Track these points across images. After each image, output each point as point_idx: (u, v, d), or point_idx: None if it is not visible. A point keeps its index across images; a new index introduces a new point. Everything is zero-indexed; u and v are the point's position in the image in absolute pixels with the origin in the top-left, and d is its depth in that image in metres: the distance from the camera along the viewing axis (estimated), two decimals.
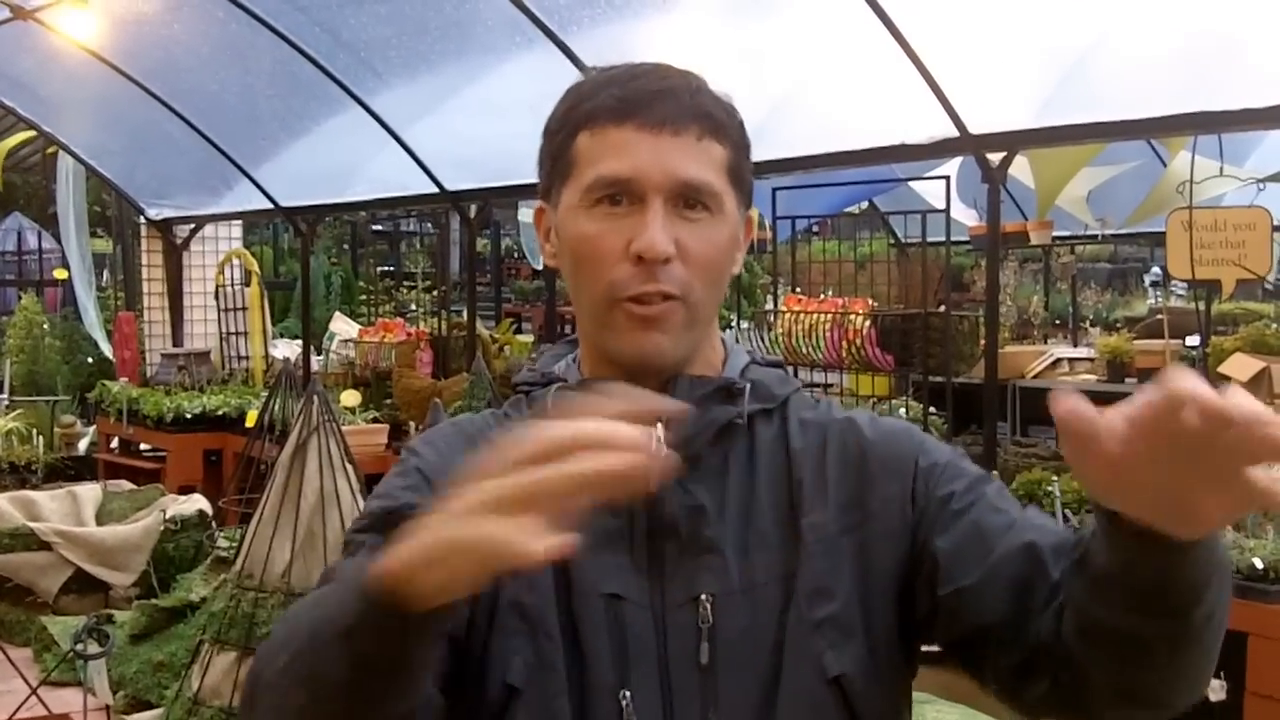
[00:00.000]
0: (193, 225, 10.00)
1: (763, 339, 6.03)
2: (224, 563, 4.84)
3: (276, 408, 4.79)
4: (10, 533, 5.76)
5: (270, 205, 8.85)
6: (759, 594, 1.26)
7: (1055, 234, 8.79)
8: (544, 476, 0.91)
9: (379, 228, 18.52)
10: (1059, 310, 11.35)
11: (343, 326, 9.77)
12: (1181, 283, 8.54)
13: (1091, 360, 7.88)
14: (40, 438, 8.05)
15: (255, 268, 10.02)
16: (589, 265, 1.27)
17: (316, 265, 12.72)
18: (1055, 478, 4.55)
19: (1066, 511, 4.39)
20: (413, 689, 1.05)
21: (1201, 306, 7.37)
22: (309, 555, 3.75)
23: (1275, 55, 4.25)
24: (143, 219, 10.14)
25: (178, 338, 10.09)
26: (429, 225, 17.62)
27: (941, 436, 5.69)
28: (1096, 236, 9.44)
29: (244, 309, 9.62)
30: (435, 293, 10.60)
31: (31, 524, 5.82)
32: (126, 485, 6.87)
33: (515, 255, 17.77)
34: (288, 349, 9.49)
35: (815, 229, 12.30)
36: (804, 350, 5.80)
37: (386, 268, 16.44)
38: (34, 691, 4.58)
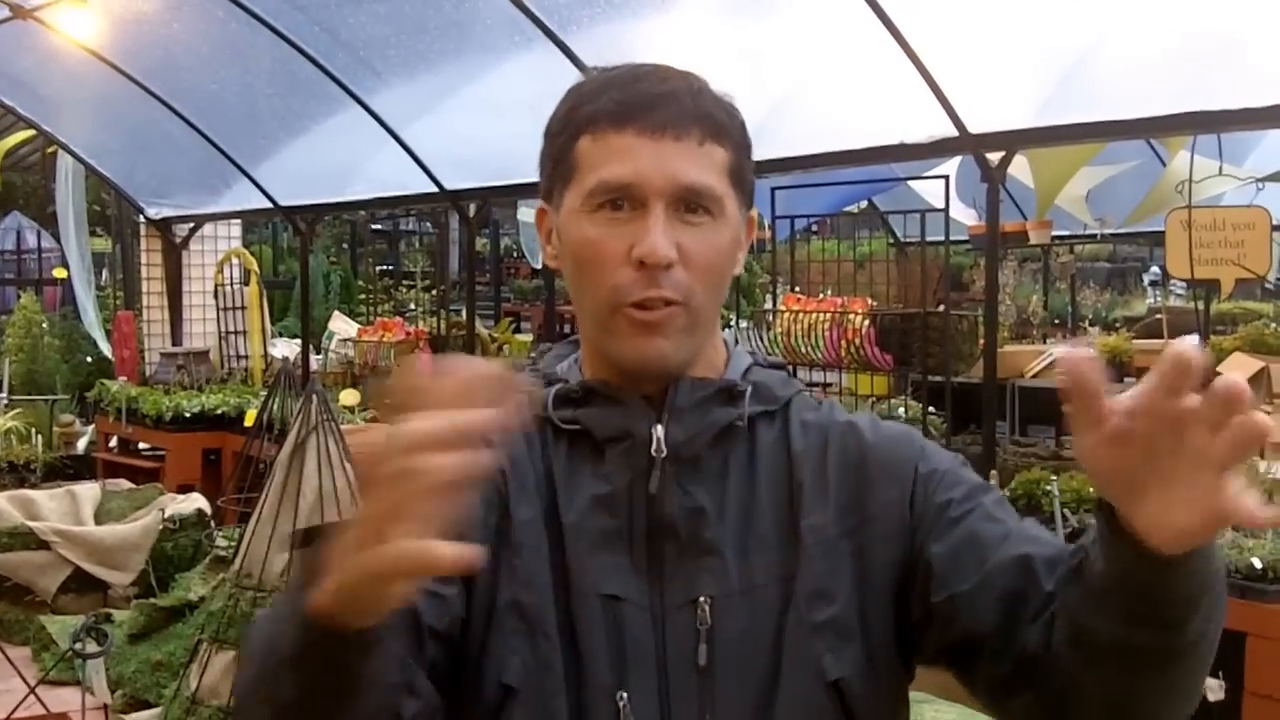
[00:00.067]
0: (192, 224, 10.00)
1: (762, 338, 6.03)
2: (222, 562, 4.85)
3: (275, 407, 4.79)
4: (9, 532, 5.76)
5: (269, 204, 8.85)
6: (758, 596, 1.25)
7: (1054, 233, 8.80)
8: (405, 492, 0.91)
9: (378, 227, 18.52)
10: (1058, 310, 11.36)
11: (342, 326, 9.76)
12: (1181, 282, 8.56)
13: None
14: (39, 437, 8.05)
15: (254, 267, 10.02)
16: (591, 270, 1.26)
17: (315, 264, 12.72)
18: (1054, 477, 4.54)
19: (1065, 511, 4.39)
20: (365, 698, 1.05)
21: (1201, 306, 7.39)
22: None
23: (1274, 55, 4.25)
24: (142, 218, 10.15)
25: (177, 337, 10.09)
26: (428, 224, 17.63)
27: (941, 436, 5.69)
28: (1096, 236, 9.44)
29: (243, 308, 9.62)
30: (434, 292, 10.62)
31: (30, 523, 5.82)
32: (125, 484, 6.87)
33: (514, 254, 17.78)
34: (287, 348, 9.50)
35: (814, 228, 12.30)
36: (803, 349, 5.80)
37: (385, 267, 16.45)
38: (32, 690, 4.58)
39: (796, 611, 1.24)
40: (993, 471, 4.82)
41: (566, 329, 12.94)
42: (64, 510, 6.05)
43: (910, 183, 8.27)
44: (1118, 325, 9.84)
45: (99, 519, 6.07)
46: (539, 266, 14.71)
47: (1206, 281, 5.72)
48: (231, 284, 9.76)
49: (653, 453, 1.26)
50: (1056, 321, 10.99)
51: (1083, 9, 4.81)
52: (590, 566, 1.26)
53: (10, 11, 7.37)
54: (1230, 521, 0.93)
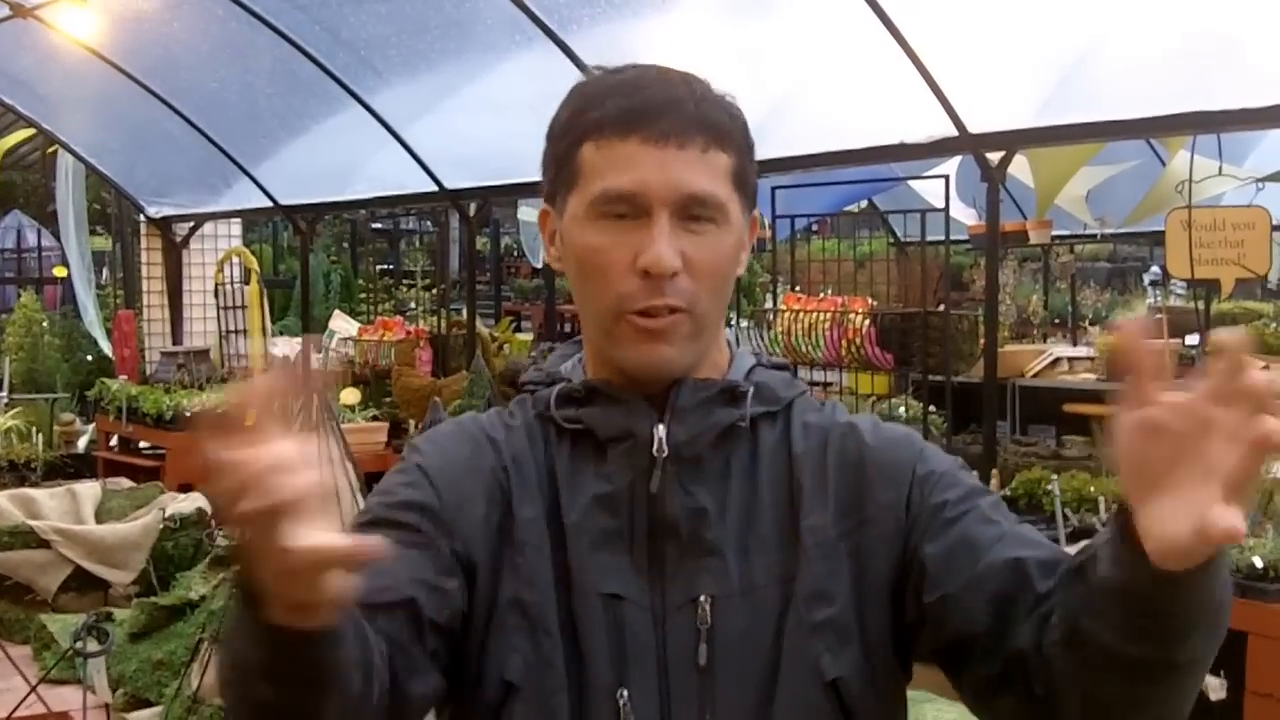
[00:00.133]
0: (192, 223, 10.00)
1: (762, 337, 6.03)
2: (223, 561, 4.85)
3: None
4: (10, 530, 5.76)
5: (270, 203, 8.85)
6: (758, 596, 1.26)
7: (1054, 233, 8.80)
8: (262, 519, 0.92)
9: (378, 226, 18.50)
10: (1058, 309, 11.35)
11: (342, 324, 9.75)
12: (1181, 282, 8.55)
13: (1091, 359, 7.88)
14: (39, 435, 8.05)
15: (255, 266, 10.01)
16: (596, 277, 1.27)
17: (316, 263, 12.71)
18: (1055, 476, 4.54)
19: (1066, 511, 4.39)
20: (344, 684, 1.05)
21: (1201, 306, 7.38)
22: None
23: (1274, 55, 4.25)
24: (142, 217, 10.14)
25: (177, 336, 10.09)
26: (428, 223, 17.62)
27: (941, 435, 5.70)
28: (1096, 236, 9.44)
29: (243, 307, 9.61)
30: (435, 291, 10.60)
31: (31, 522, 5.82)
32: (126, 483, 6.88)
33: (515, 254, 17.76)
34: (287, 347, 9.49)
35: (815, 228, 12.30)
36: (803, 349, 5.80)
37: (386, 266, 16.43)
38: (33, 689, 4.58)
39: (796, 612, 1.25)
40: (993, 471, 4.82)
41: (567, 328, 12.96)
42: (64, 509, 6.05)
43: (910, 182, 8.28)
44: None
45: (99, 518, 6.07)
46: (539, 266, 14.72)
47: (1207, 281, 5.72)
48: (232, 283, 9.76)
49: (654, 453, 1.27)
50: (1057, 321, 10.98)
51: (1083, 9, 4.81)
52: (591, 565, 1.26)
53: (10, 10, 7.37)
54: (1215, 539, 0.92)
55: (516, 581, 1.26)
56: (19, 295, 11.80)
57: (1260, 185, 5.93)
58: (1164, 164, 7.27)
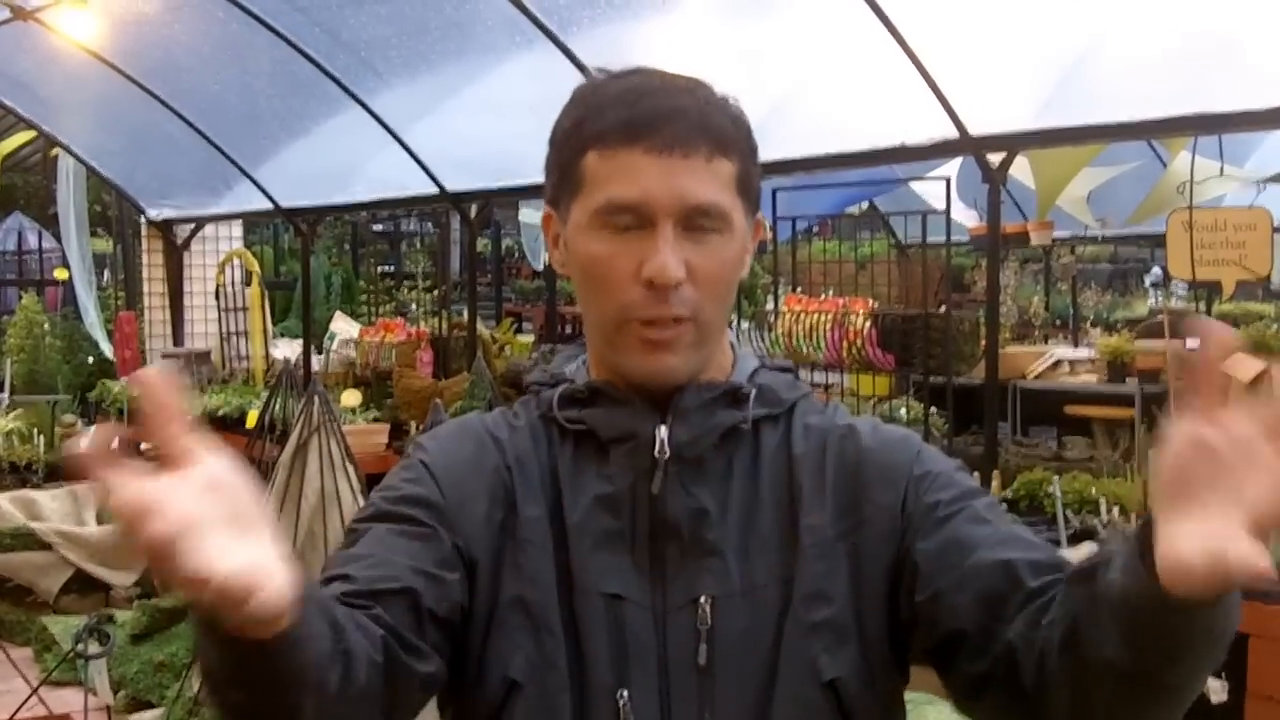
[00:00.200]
0: (193, 225, 10.01)
1: (763, 339, 6.03)
2: None
3: (277, 408, 4.79)
4: (11, 533, 5.76)
5: (270, 205, 8.85)
6: (759, 597, 1.26)
7: (1056, 235, 8.81)
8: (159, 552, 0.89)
9: (379, 228, 18.52)
10: (1059, 311, 11.36)
11: (343, 326, 9.76)
12: (1182, 283, 8.55)
13: (1092, 361, 7.88)
14: (41, 437, 8.04)
15: (256, 268, 10.02)
16: (600, 286, 1.27)
17: (317, 265, 12.71)
18: (1056, 478, 4.54)
19: (1067, 512, 4.39)
20: (314, 681, 1.05)
21: (1202, 307, 7.38)
22: (310, 555, 3.75)
23: (1274, 56, 4.25)
24: (143, 219, 10.16)
25: (178, 338, 10.09)
26: (429, 225, 17.61)
27: (942, 436, 5.70)
28: (1097, 237, 9.45)
29: (244, 309, 9.63)
30: (436, 293, 10.61)
31: (32, 524, 5.83)
32: None
33: (516, 255, 17.76)
34: (288, 349, 9.49)
35: (816, 229, 12.30)
36: (804, 350, 5.80)
37: (387, 268, 16.43)
38: (35, 691, 4.59)
39: (795, 612, 1.25)
40: (995, 472, 4.82)
41: (568, 329, 12.94)
42: (65, 511, 6.06)
43: (911, 184, 8.28)
44: (1119, 326, 9.84)
45: (101, 520, 6.07)
46: (540, 267, 14.71)
47: (1208, 283, 5.71)
48: (233, 285, 9.77)
49: (656, 454, 1.27)
50: (1058, 322, 10.99)
51: (1083, 10, 4.82)
52: (592, 565, 1.27)
53: (11, 13, 7.37)
54: (1229, 571, 0.89)
55: (519, 580, 1.26)
56: (20, 297, 11.80)
57: (1261, 186, 5.93)
58: (1165, 165, 7.27)
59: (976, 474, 1.37)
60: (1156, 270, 12.27)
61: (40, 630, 5.66)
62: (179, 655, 4.71)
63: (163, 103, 8.13)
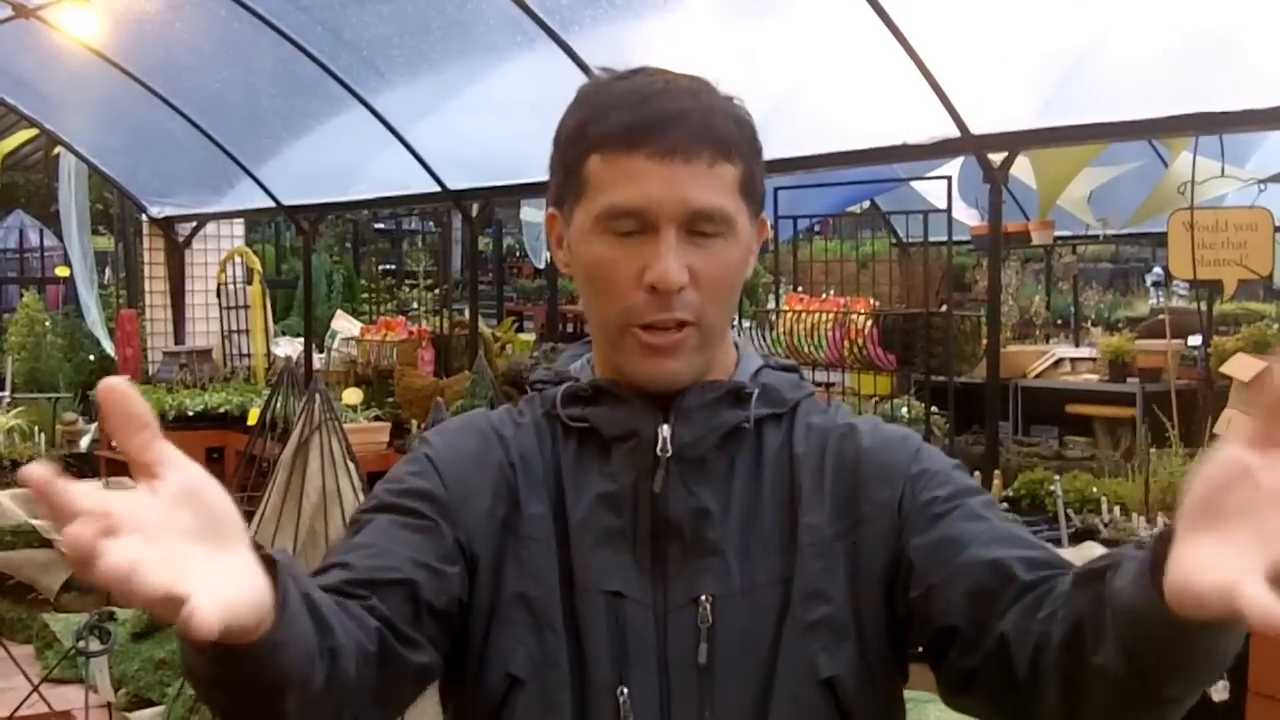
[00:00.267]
0: (195, 223, 10.01)
1: (764, 338, 6.03)
2: None
3: (278, 406, 4.79)
4: (12, 530, 5.77)
5: (272, 204, 8.85)
6: (759, 596, 1.27)
7: (1057, 234, 8.80)
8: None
9: (381, 226, 18.51)
10: (1061, 310, 11.35)
11: (344, 325, 9.77)
12: (1183, 283, 8.55)
13: (1093, 360, 7.89)
14: (42, 435, 8.06)
15: (257, 266, 10.03)
16: (603, 290, 1.28)
17: (318, 263, 12.72)
18: (1057, 477, 4.54)
19: (1069, 511, 4.39)
20: (296, 681, 1.04)
21: (1203, 307, 7.38)
22: (311, 554, 3.75)
23: (1275, 56, 4.25)
24: (145, 217, 10.16)
25: (180, 335, 10.10)
26: (431, 224, 17.62)
27: (943, 436, 5.69)
28: (1098, 237, 9.44)
29: (246, 307, 9.63)
30: (437, 291, 10.61)
31: (33, 521, 5.83)
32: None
33: (517, 254, 17.75)
34: (289, 347, 9.50)
35: (817, 228, 12.29)
36: (806, 349, 5.80)
37: (388, 266, 16.43)
38: (36, 689, 4.59)
39: (793, 611, 1.25)
40: (996, 471, 4.82)
41: (570, 328, 12.95)
42: None
43: (912, 183, 8.27)
44: (1120, 326, 9.84)
45: None
46: (542, 266, 14.72)
47: (1209, 282, 5.71)
48: (234, 283, 9.77)
49: (658, 452, 1.28)
50: (1059, 322, 10.99)
51: (1083, 9, 4.82)
52: (594, 563, 1.27)
53: (13, 10, 7.38)
54: (1239, 611, 0.84)
55: (521, 576, 1.27)
56: (21, 295, 11.79)
57: (1263, 186, 5.92)
58: (1166, 165, 7.26)
59: (978, 473, 1.38)
60: (1158, 270, 12.28)
61: (41, 627, 5.67)
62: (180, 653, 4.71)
63: (165, 101, 8.14)
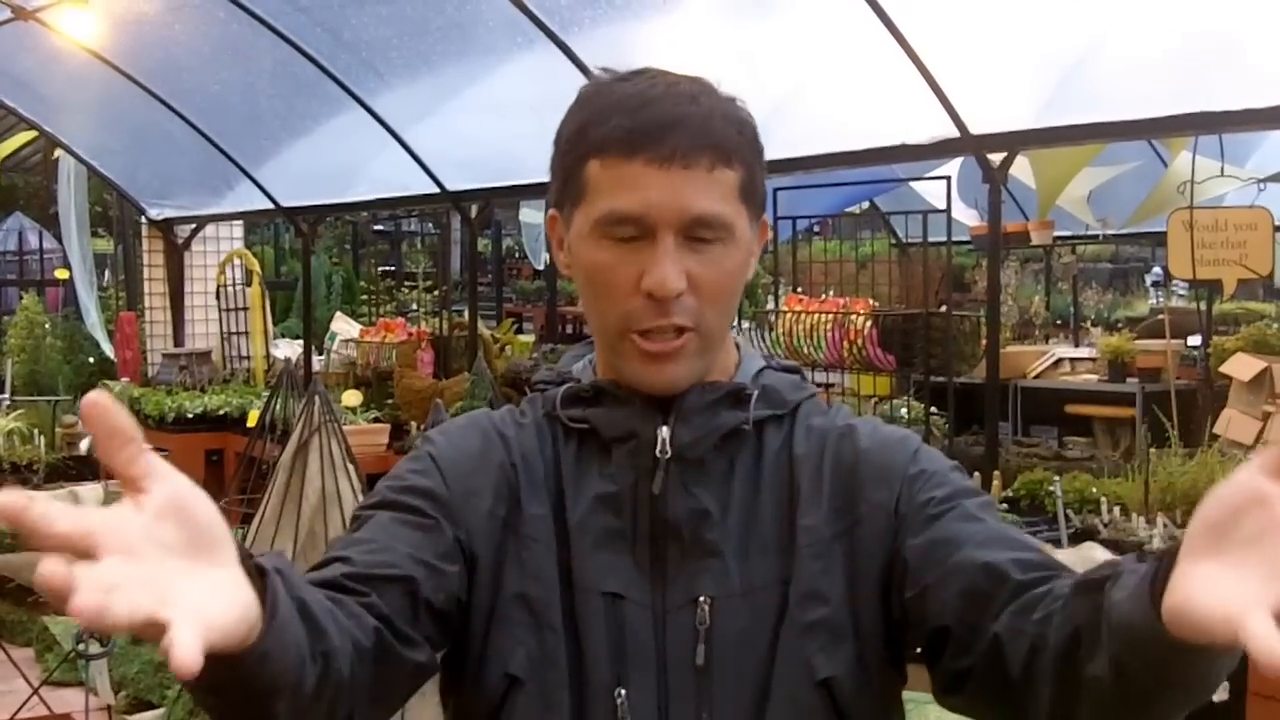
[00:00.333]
0: (194, 225, 10.01)
1: (764, 339, 6.03)
2: None
3: (278, 408, 4.79)
4: (11, 532, 5.75)
5: (271, 205, 8.85)
6: (757, 597, 1.27)
7: (1056, 234, 8.79)
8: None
9: (380, 228, 18.52)
10: (1060, 310, 11.36)
11: (344, 326, 9.77)
12: (1183, 283, 8.55)
13: (1093, 360, 7.89)
14: (41, 437, 8.04)
15: (256, 268, 10.02)
16: (602, 294, 1.28)
17: (317, 265, 12.71)
18: (1056, 478, 4.54)
19: (1068, 512, 4.39)
20: (287, 685, 1.03)
21: (1203, 306, 7.38)
22: (311, 555, 3.75)
23: (1275, 55, 4.25)
24: (144, 219, 10.15)
25: (179, 338, 10.09)
26: (430, 225, 17.63)
27: (943, 436, 5.69)
28: (1098, 237, 9.44)
29: (245, 309, 9.62)
30: (436, 293, 10.62)
31: None
32: None
33: (517, 255, 17.77)
34: (289, 349, 9.50)
35: (816, 229, 12.28)
36: (805, 350, 5.80)
37: (388, 268, 16.43)
38: (36, 691, 4.59)
39: (791, 612, 1.25)
40: (995, 472, 4.81)
41: (569, 329, 12.94)
42: None
43: (912, 183, 8.27)
44: (1120, 326, 9.85)
45: None
46: (541, 267, 14.72)
47: (1209, 282, 5.71)
48: (233, 285, 9.77)
49: (657, 454, 1.28)
50: (1058, 322, 11.00)
51: (1083, 10, 4.81)
52: (593, 564, 1.27)
53: (12, 13, 7.37)
54: (1239, 642, 0.81)
55: (521, 576, 1.27)
56: (21, 297, 11.78)
57: (1262, 186, 5.93)
58: (1166, 165, 7.27)
59: (977, 474, 1.37)
60: (1157, 270, 12.29)
61: (41, 630, 5.66)
62: None
63: (164, 103, 8.13)
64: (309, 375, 7.60)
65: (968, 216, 8.15)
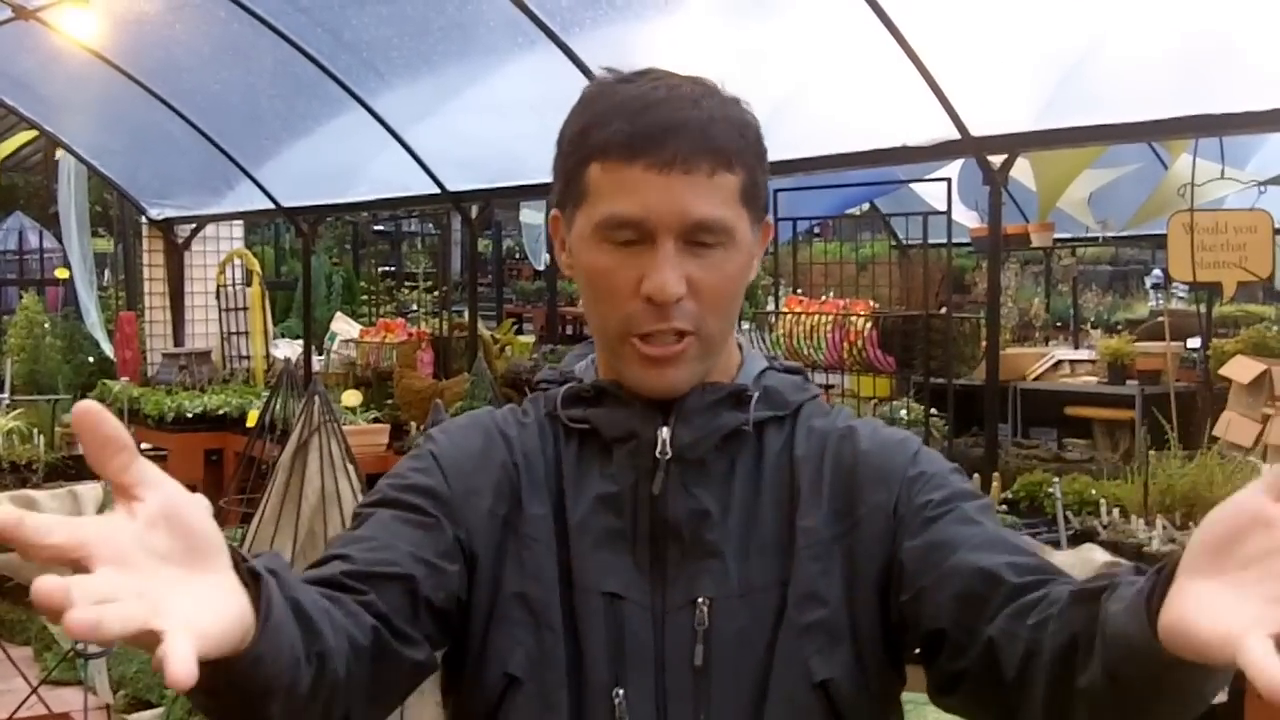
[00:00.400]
0: (194, 225, 10.01)
1: (764, 340, 6.03)
2: None
3: (277, 408, 4.79)
4: None
5: (272, 205, 8.85)
6: (756, 598, 1.27)
7: (1056, 236, 8.80)
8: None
9: (380, 228, 18.52)
10: (1060, 312, 11.35)
11: (344, 326, 9.77)
12: (1183, 285, 8.55)
13: (1093, 362, 7.89)
14: (41, 437, 8.04)
15: (256, 268, 10.02)
16: (603, 298, 1.28)
17: (318, 265, 12.70)
18: (1056, 479, 4.54)
19: (1068, 513, 4.38)
20: (280, 687, 1.03)
21: (1202, 309, 7.38)
22: (310, 555, 3.75)
23: (1274, 56, 4.24)
24: (144, 219, 10.15)
25: (179, 337, 10.09)
26: (430, 225, 17.63)
27: (943, 438, 5.69)
28: (1098, 239, 9.43)
29: (245, 309, 9.62)
30: (436, 293, 10.63)
31: None
32: None
33: (517, 255, 17.77)
34: (289, 349, 9.49)
35: (817, 230, 12.30)
36: (805, 351, 5.80)
37: (388, 268, 16.43)
38: (34, 690, 4.59)
39: (789, 614, 1.25)
40: (995, 474, 4.81)
41: (569, 330, 12.94)
42: (66, 510, 6.05)
43: (912, 185, 8.27)
44: (1120, 328, 9.84)
45: None
46: (541, 268, 14.71)
47: (1208, 284, 5.71)
48: (233, 285, 9.77)
49: (658, 454, 1.28)
50: (1058, 324, 10.99)
51: (1083, 11, 4.81)
52: (593, 565, 1.28)
53: (12, 12, 7.37)
54: (1236, 663, 0.81)
55: (521, 576, 1.27)
56: (21, 297, 11.78)
57: (1262, 188, 5.93)
58: (1166, 167, 7.27)
59: (977, 476, 1.37)
60: (1157, 272, 12.28)
61: (40, 629, 5.67)
62: None
63: (164, 102, 8.13)
64: (309, 375, 7.60)
65: (968, 218, 8.15)
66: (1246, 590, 0.84)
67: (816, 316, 5.80)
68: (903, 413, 6.16)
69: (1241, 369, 5.83)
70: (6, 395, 9.28)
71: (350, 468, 3.88)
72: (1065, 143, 5.33)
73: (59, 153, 10.85)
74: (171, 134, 8.50)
